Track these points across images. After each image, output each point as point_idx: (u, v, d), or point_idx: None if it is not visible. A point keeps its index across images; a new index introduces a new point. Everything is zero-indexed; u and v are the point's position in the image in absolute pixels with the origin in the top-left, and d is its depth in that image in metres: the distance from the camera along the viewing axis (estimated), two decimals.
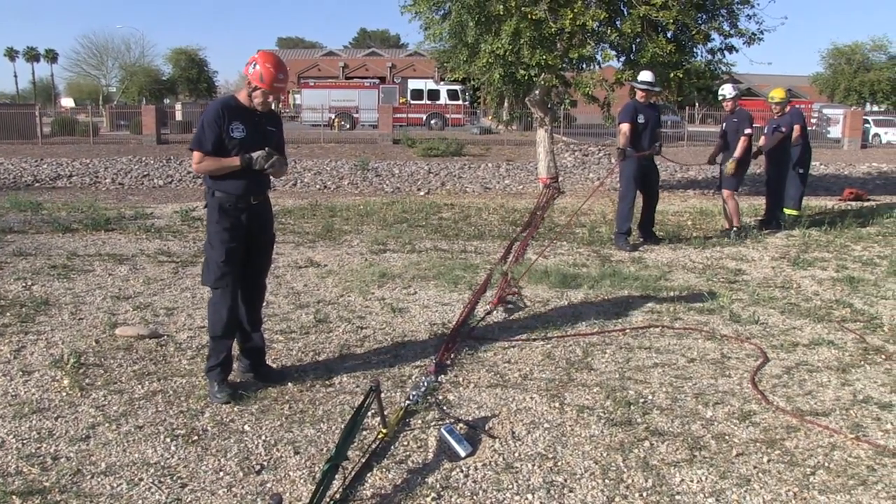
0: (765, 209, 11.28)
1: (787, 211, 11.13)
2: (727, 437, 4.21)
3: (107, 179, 16.87)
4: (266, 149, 4.59)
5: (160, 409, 4.48)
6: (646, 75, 9.66)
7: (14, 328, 5.84)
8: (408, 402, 4.53)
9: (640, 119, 9.43)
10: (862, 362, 5.43)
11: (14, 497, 3.48)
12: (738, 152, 9.87)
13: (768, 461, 3.94)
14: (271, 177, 4.83)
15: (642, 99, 9.57)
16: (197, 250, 8.75)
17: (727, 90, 10.29)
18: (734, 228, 10.23)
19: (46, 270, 7.63)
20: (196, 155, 4.59)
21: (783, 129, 10.69)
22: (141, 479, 3.68)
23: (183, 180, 16.42)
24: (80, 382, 4.81)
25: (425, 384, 4.77)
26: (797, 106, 12.19)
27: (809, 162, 11.55)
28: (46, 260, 8.09)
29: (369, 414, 4.27)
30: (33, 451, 3.93)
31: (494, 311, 6.54)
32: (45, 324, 5.99)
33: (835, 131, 38.02)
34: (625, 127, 9.36)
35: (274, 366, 5.15)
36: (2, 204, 11.60)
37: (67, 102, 70.33)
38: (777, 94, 10.97)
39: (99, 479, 3.67)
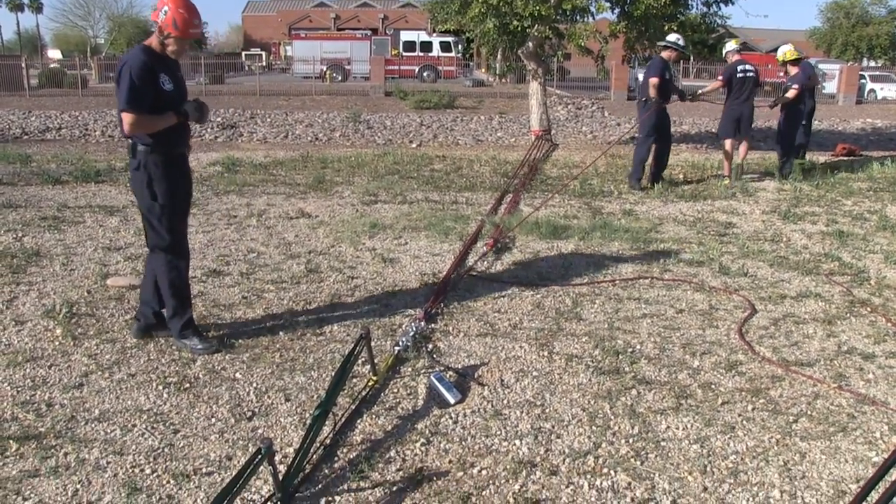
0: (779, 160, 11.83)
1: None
2: (713, 387, 4.27)
3: (96, 132, 16.67)
4: (196, 98, 4.46)
5: (152, 357, 4.51)
6: (678, 37, 10.43)
7: (6, 279, 5.85)
8: (397, 347, 4.58)
9: (667, 76, 10.24)
10: (848, 315, 5.49)
11: (11, 442, 3.52)
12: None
13: (753, 409, 4.01)
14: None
15: (670, 57, 10.34)
16: None
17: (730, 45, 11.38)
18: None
19: (37, 222, 7.61)
20: (130, 116, 4.17)
21: (796, 87, 11.27)
22: (134, 426, 3.73)
23: None
24: (72, 332, 4.83)
25: (414, 330, 4.81)
26: (808, 61, 12.50)
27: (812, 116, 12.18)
28: (37, 211, 8.06)
29: (359, 361, 4.32)
30: (28, 398, 3.97)
31: (485, 260, 6.57)
32: (36, 274, 5.99)
33: (830, 87, 37.74)
34: (654, 80, 10.05)
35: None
36: None
37: (54, 54, 69.23)
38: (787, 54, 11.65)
39: (93, 426, 3.71)
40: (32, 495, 3.15)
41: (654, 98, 10.07)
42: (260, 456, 2.85)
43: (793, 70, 11.49)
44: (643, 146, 10.33)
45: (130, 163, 4.43)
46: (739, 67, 10.91)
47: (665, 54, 10.34)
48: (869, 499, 2.67)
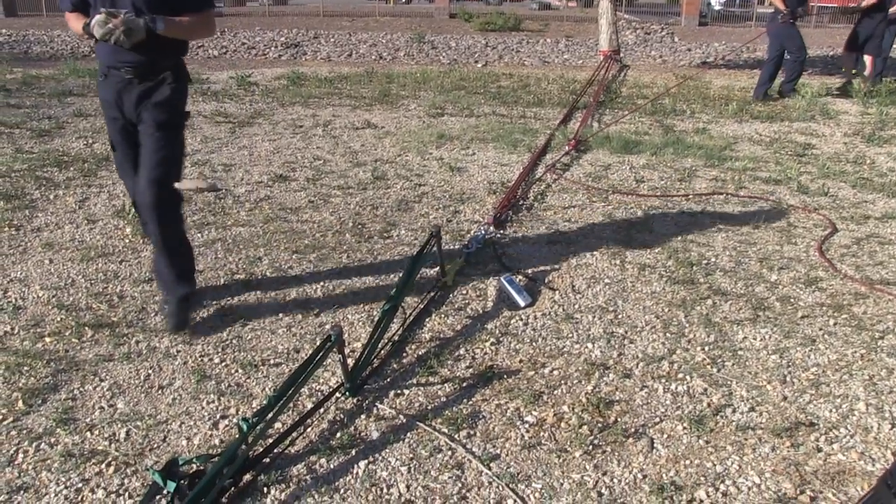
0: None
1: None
2: (792, 300, 4.10)
3: None
4: (105, 10, 3.15)
5: (219, 255, 4.52)
6: None
7: (77, 181, 5.92)
8: (467, 250, 4.50)
9: None
10: None
11: (87, 328, 3.58)
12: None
13: (834, 324, 3.84)
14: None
15: None
16: (253, 112, 8.70)
17: None
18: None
19: (106, 130, 7.65)
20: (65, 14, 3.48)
21: None
22: (202, 317, 3.74)
23: (237, 51, 16.19)
24: (141, 231, 4.85)
25: (483, 234, 4.73)
26: None
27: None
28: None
29: (428, 263, 4.25)
30: (101, 290, 4.02)
31: (555, 171, 6.40)
32: (106, 178, 6.04)
33: None
34: None
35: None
36: (62, 71, 11.69)
37: None
38: None
39: (162, 317, 3.74)
40: (108, 377, 3.19)
41: (784, 12, 10.24)
42: (330, 343, 2.81)
43: None
44: (772, 62, 10.59)
45: None
46: None
47: None
48: None
